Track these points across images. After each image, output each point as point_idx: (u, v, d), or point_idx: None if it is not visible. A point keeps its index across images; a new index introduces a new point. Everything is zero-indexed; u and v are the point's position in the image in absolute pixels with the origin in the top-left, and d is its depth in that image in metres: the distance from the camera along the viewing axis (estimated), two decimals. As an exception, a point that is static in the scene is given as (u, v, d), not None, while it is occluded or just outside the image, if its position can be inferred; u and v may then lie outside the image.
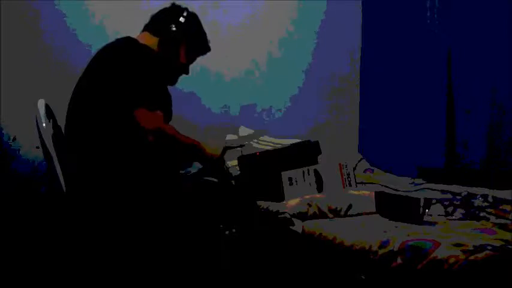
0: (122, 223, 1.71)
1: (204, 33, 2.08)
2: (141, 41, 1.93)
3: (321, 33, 3.20)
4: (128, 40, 1.90)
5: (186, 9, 2.03)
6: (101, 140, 1.75)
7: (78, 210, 1.73)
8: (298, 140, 2.56)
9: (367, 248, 1.57)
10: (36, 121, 1.77)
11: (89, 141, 1.76)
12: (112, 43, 1.89)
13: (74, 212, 1.74)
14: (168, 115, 1.95)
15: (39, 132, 1.75)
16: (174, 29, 1.97)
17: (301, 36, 3.17)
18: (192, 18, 2.03)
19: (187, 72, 2.08)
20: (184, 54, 2.01)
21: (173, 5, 2.05)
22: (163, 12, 2.03)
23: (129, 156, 1.74)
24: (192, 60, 2.09)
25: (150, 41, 1.96)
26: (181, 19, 1.98)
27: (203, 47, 2.09)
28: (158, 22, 2.00)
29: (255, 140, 2.76)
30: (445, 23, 2.75)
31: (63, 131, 1.90)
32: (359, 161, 2.89)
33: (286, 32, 3.14)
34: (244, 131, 2.84)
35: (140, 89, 1.74)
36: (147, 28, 2.01)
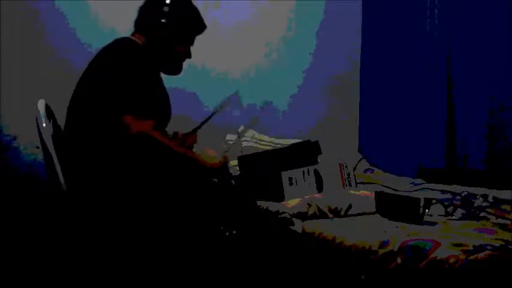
0: (121, 224, 1.71)
1: (196, 12, 1.98)
2: (137, 40, 1.89)
3: (320, 33, 3.20)
4: (121, 42, 1.87)
5: None
6: (95, 143, 1.74)
7: (78, 210, 1.73)
8: (298, 140, 2.56)
9: (367, 248, 1.57)
10: (36, 121, 1.77)
11: (84, 144, 1.75)
12: (108, 45, 1.87)
13: (74, 211, 1.74)
14: (163, 117, 1.92)
15: (39, 132, 1.75)
16: (162, 21, 1.88)
17: (301, 36, 3.17)
18: (177, 1, 1.93)
19: (189, 56, 2.01)
20: (179, 42, 1.93)
21: None
22: (147, 3, 1.94)
23: (123, 159, 1.72)
24: (191, 42, 2.01)
25: (141, 39, 1.92)
26: (165, 8, 1.89)
27: (198, 27, 1.99)
28: (143, 18, 1.92)
29: (255, 140, 2.76)
30: (444, 22, 2.75)
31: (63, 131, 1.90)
32: (359, 161, 2.89)
33: (286, 32, 3.14)
34: (244, 131, 2.83)
35: (129, 95, 1.70)
36: (136, 25, 1.94)
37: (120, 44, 1.86)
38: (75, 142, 1.77)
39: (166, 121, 1.97)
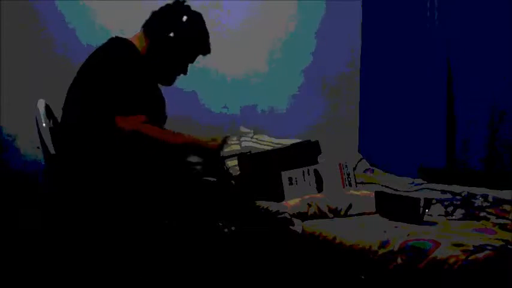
0: (119, 223, 1.71)
1: (206, 35, 2.01)
2: (133, 42, 1.89)
3: (320, 33, 3.20)
4: (114, 42, 1.86)
5: (187, 9, 1.96)
6: (88, 143, 1.73)
7: (77, 209, 1.73)
8: (298, 140, 2.56)
9: (367, 248, 1.56)
10: (36, 121, 1.77)
11: (77, 144, 1.75)
12: (102, 45, 1.86)
13: (73, 211, 1.74)
14: (157, 118, 1.92)
15: (39, 132, 1.76)
16: (171, 35, 1.90)
17: (301, 36, 3.17)
18: (192, 20, 1.95)
19: (185, 73, 2.03)
20: (180, 58, 1.96)
21: (176, 2, 1.98)
22: (162, 12, 1.96)
23: (116, 157, 1.72)
24: (191, 60, 2.04)
25: (141, 42, 1.92)
26: (179, 24, 1.91)
27: (202, 49, 2.03)
28: (154, 23, 1.94)
29: (255, 140, 2.76)
30: (445, 22, 2.75)
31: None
32: (359, 161, 2.88)
33: (286, 32, 3.14)
34: (244, 131, 2.84)
35: (119, 94, 1.70)
36: (144, 27, 1.96)
37: (113, 44, 1.85)
38: (69, 143, 1.77)
39: (160, 122, 1.96)
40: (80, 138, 1.73)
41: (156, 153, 1.74)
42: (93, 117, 1.69)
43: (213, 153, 1.91)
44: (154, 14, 1.96)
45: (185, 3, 1.98)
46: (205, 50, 2.03)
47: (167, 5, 1.97)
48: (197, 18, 1.98)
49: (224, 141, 1.95)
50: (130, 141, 1.68)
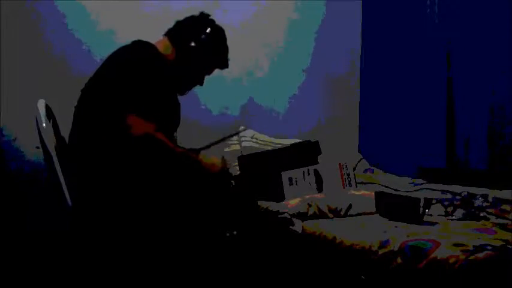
0: (121, 225, 1.71)
1: (226, 50, 2.04)
2: (158, 47, 1.90)
3: (321, 33, 3.20)
4: (140, 45, 1.87)
5: (211, 23, 2.00)
6: (99, 143, 1.74)
7: (79, 210, 1.73)
8: (298, 140, 2.56)
9: (367, 248, 1.57)
10: (36, 121, 1.77)
11: (88, 143, 1.75)
12: (125, 46, 1.87)
13: (75, 212, 1.74)
14: (170, 123, 1.93)
15: (39, 132, 1.75)
16: (193, 44, 1.94)
17: (301, 36, 3.17)
18: (215, 34, 1.99)
19: (201, 84, 2.06)
20: (199, 68, 1.99)
21: (201, 14, 2.02)
22: (187, 22, 1.99)
23: (125, 159, 1.72)
24: (208, 72, 2.07)
25: (167, 48, 1.94)
26: (203, 36, 1.95)
27: (221, 64, 2.06)
28: (179, 32, 1.97)
29: (255, 140, 2.76)
30: (445, 22, 2.75)
31: (61, 131, 1.90)
32: (359, 161, 2.89)
33: (286, 32, 3.14)
34: (244, 131, 2.83)
35: (134, 95, 1.70)
36: (169, 34, 1.98)
37: (136, 45, 1.86)
38: (80, 142, 1.77)
39: (174, 128, 1.97)
40: (89, 133, 1.74)
41: (165, 157, 1.74)
42: (105, 112, 1.70)
43: (216, 176, 1.93)
44: (180, 23, 1.99)
45: (210, 17, 2.01)
46: (223, 64, 2.07)
47: (192, 16, 2.02)
48: (219, 33, 2.03)
49: (224, 163, 1.96)
50: (142, 143, 1.69)
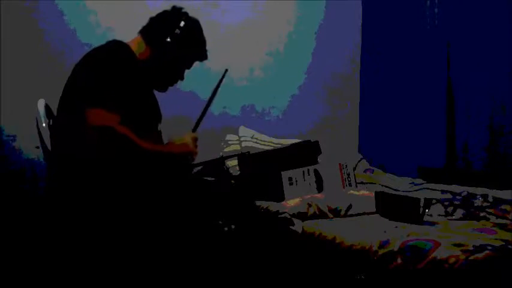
0: (118, 222, 1.71)
1: (203, 42, 2.01)
2: (131, 46, 1.89)
3: (321, 33, 3.20)
4: (110, 44, 1.86)
5: (185, 16, 1.95)
6: (63, 137, 1.74)
7: (76, 209, 1.73)
8: (298, 140, 2.56)
9: (367, 248, 1.57)
10: (36, 121, 1.77)
11: (61, 141, 1.75)
12: (98, 46, 1.86)
13: (73, 211, 1.74)
14: (153, 117, 1.92)
15: (39, 132, 1.75)
16: (168, 40, 1.90)
17: (301, 36, 3.17)
18: (190, 27, 1.95)
19: (182, 78, 2.03)
20: (178, 63, 1.96)
21: (173, 8, 1.97)
22: (160, 18, 1.95)
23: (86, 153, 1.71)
24: (188, 66, 2.04)
25: (140, 46, 1.92)
26: (177, 31, 1.91)
27: (200, 56, 2.03)
28: (153, 30, 1.93)
29: (255, 140, 2.76)
30: (445, 22, 2.75)
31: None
32: (359, 161, 2.89)
33: (286, 32, 3.14)
34: (244, 131, 2.84)
35: (99, 91, 1.68)
36: (142, 33, 1.96)
37: (108, 45, 1.85)
38: (56, 137, 1.77)
39: (155, 123, 1.96)
40: (65, 134, 1.73)
41: (128, 154, 1.71)
42: (67, 110, 1.70)
43: (185, 158, 1.90)
44: (152, 20, 1.97)
45: (183, 10, 1.98)
46: (202, 56, 2.03)
47: (165, 11, 1.97)
48: (194, 25, 1.99)
49: (195, 141, 1.93)
50: (101, 136, 1.65)
